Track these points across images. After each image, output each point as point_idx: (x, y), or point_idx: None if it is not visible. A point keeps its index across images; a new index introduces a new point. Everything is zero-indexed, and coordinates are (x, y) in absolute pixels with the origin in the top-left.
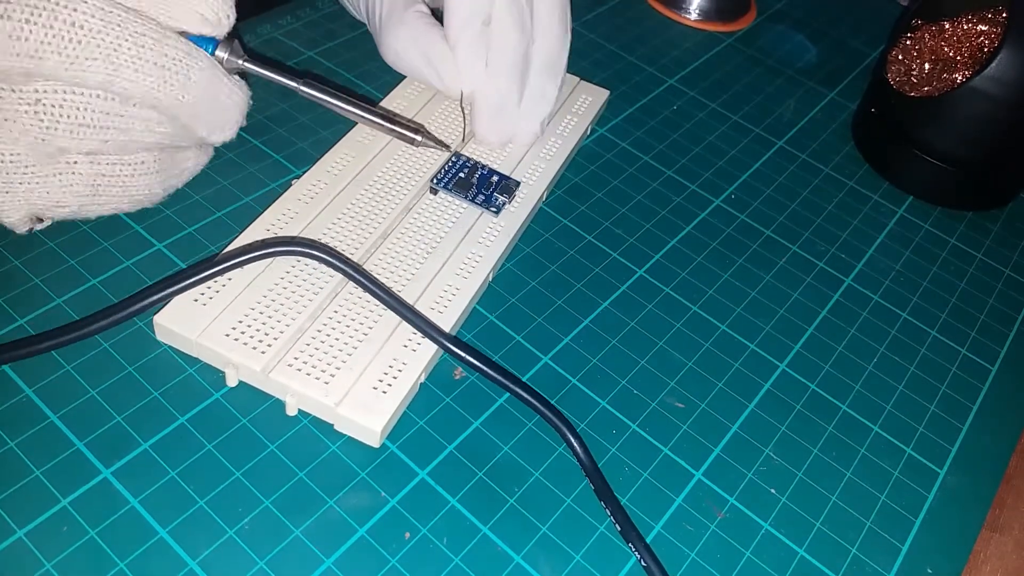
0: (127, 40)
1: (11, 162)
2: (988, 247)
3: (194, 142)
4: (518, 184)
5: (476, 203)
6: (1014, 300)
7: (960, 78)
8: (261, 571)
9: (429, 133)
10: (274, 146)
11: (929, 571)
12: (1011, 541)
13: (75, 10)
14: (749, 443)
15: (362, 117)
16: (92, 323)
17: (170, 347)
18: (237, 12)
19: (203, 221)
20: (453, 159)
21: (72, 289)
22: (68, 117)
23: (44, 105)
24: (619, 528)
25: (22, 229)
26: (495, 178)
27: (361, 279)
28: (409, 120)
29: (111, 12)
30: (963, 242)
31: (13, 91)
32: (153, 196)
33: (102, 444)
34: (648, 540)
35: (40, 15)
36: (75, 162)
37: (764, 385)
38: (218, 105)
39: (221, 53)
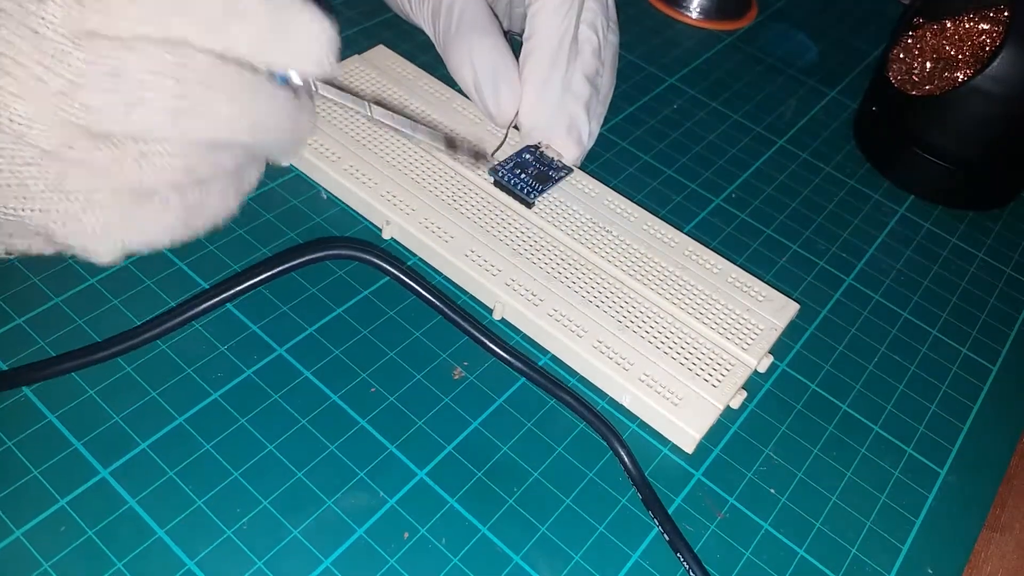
0: (236, 95)
1: (106, 205)
2: (989, 246)
3: (260, 159)
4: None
5: (556, 181)
6: (1015, 300)
7: (962, 77)
8: (259, 571)
9: (482, 151)
10: None
11: (929, 571)
12: (1012, 541)
13: (182, 80)
14: (749, 443)
15: (428, 142)
16: (149, 329)
17: (168, 348)
18: None
19: None
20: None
21: (71, 289)
22: (170, 168)
23: (148, 158)
24: (667, 538)
25: (106, 258)
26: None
27: (413, 284)
28: (471, 142)
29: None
30: (964, 241)
31: (115, 145)
32: (232, 213)
33: (100, 444)
34: (647, 541)
35: (151, 92)
36: (167, 199)
37: (764, 385)
38: (296, 129)
39: (297, 79)
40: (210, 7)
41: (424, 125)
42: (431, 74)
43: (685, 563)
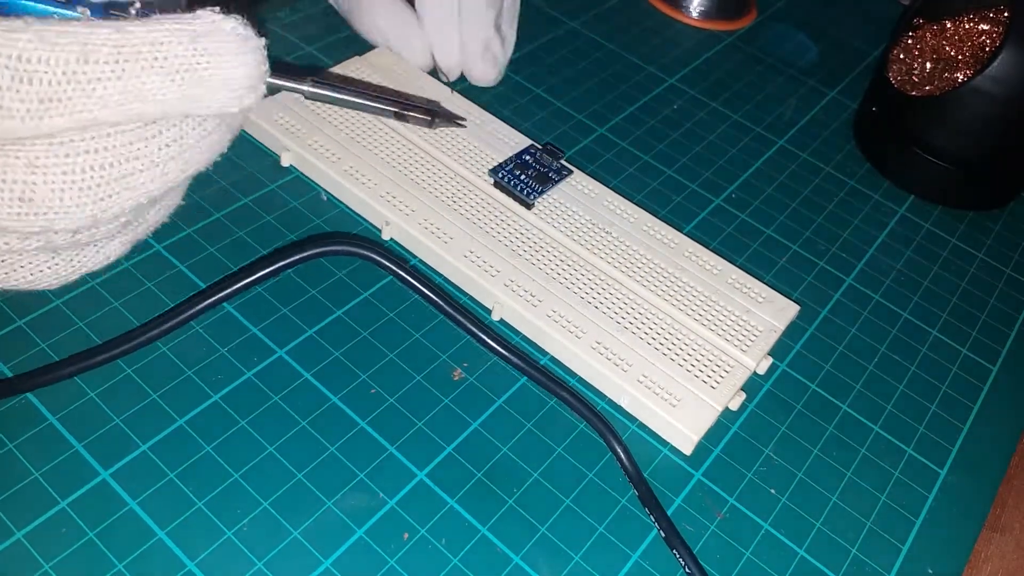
0: (161, 153)
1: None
2: (989, 246)
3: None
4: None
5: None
6: (1015, 300)
7: (961, 77)
8: (259, 572)
9: (445, 111)
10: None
11: (929, 571)
12: (1012, 541)
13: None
14: (749, 443)
15: (376, 109)
16: (146, 331)
17: (168, 350)
18: (234, 2)
19: (201, 223)
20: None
21: (71, 291)
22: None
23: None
24: (663, 535)
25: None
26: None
27: (413, 281)
28: (425, 101)
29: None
30: (964, 241)
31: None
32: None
33: (101, 446)
34: (647, 541)
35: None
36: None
37: (765, 385)
38: (230, 129)
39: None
40: (104, 99)
41: (369, 92)
42: (431, 74)
43: (681, 559)
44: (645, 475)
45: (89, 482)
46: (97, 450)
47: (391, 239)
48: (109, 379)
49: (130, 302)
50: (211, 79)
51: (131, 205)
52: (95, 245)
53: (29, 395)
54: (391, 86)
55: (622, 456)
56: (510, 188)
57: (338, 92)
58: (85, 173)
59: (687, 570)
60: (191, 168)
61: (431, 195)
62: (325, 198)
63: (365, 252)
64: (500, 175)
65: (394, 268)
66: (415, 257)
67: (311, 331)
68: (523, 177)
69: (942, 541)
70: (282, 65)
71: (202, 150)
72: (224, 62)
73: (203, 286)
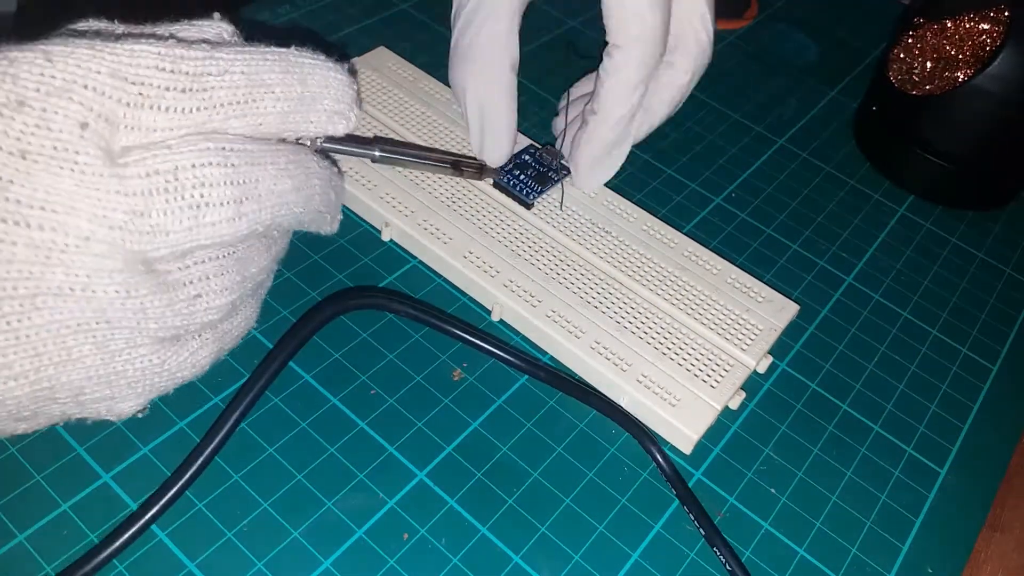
0: (281, 176)
1: (140, 364)
2: (989, 246)
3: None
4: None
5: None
6: (1015, 299)
7: (962, 77)
8: (259, 572)
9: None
10: None
11: (929, 571)
12: (1012, 541)
13: (234, 165)
14: (749, 443)
15: (435, 167)
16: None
17: None
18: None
19: None
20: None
21: None
22: (219, 297)
23: (200, 294)
24: (703, 533)
25: (129, 412)
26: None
27: (432, 320)
28: (470, 158)
29: (260, 152)
30: (964, 241)
31: (171, 288)
32: (253, 325)
33: (102, 449)
34: (647, 541)
35: (212, 188)
36: (203, 335)
37: (765, 384)
38: (337, 195)
39: (304, 141)
40: (234, 91)
41: (428, 153)
42: (432, 75)
43: (722, 558)
44: (645, 475)
45: (90, 485)
46: (98, 453)
47: (391, 240)
48: None
49: None
50: (316, 83)
51: (267, 220)
52: (239, 312)
53: None
54: (391, 87)
55: (659, 458)
56: (509, 188)
57: (402, 155)
58: (218, 169)
59: (728, 567)
60: (310, 203)
61: (430, 196)
62: None
63: (375, 303)
64: (499, 175)
65: (408, 311)
66: (415, 258)
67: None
68: (522, 177)
69: (942, 541)
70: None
71: (315, 181)
72: (324, 71)
73: None
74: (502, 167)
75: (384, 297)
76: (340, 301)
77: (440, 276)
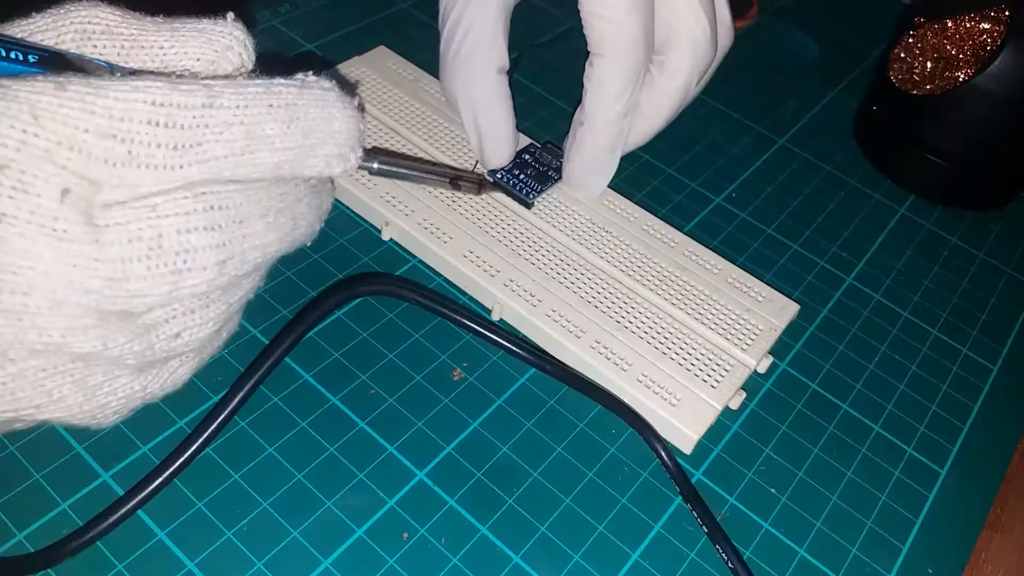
0: (266, 225)
1: (123, 390)
2: (990, 246)
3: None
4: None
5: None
6: (1016, 299)
7: (962, 76)
8: (259, 572)
9: (489, 181)
10: None
11: (930, 571)
12: (1012, 541)
13: (221, 227)
14: (749, 443)
15: (433, 180)
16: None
17: None
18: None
19: None
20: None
21: None
22: (201, 329)
23: (180, 337)
24: (706, 530)
25: (108, 424)
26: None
27: (443, 308)
28: (470, 173)
29: (244, 206)
30: (965, 241)
31: (149, 330)
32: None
33: (102, 448)
34: (647, 541)
35: (196, 253)
36: (187, 358)
37: (765, 384)
38: (322, 216)
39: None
40: (231, 145)
41: (427, 166)
42: (432, 75)
43: (724, 556)
44: (645, 475)
45: (90, 484)
46: (98, 452)
47: (391, 239)
48: None
49: None
50: (319, 130)
51: (235, 274)
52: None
53: None
54: (391, 86)
55: (662, 454)
56: (509, 187)
57: (401, 168)
58: (204, 233)
59: (730, 566)
60: (294, 235)
61: (430, 195)
62: None
63: (386, 289)
64: (499, 174)
65: (417, 298)
66: (414, 258)
67: (311, 332)
68: (522, 176)
69: (942, 541)
70: None
71: (301, 213)
72: (329, 114)
73: None
74: (501, 168)
75: (395, 284)
76: (353, 286)
77: (440, 275)
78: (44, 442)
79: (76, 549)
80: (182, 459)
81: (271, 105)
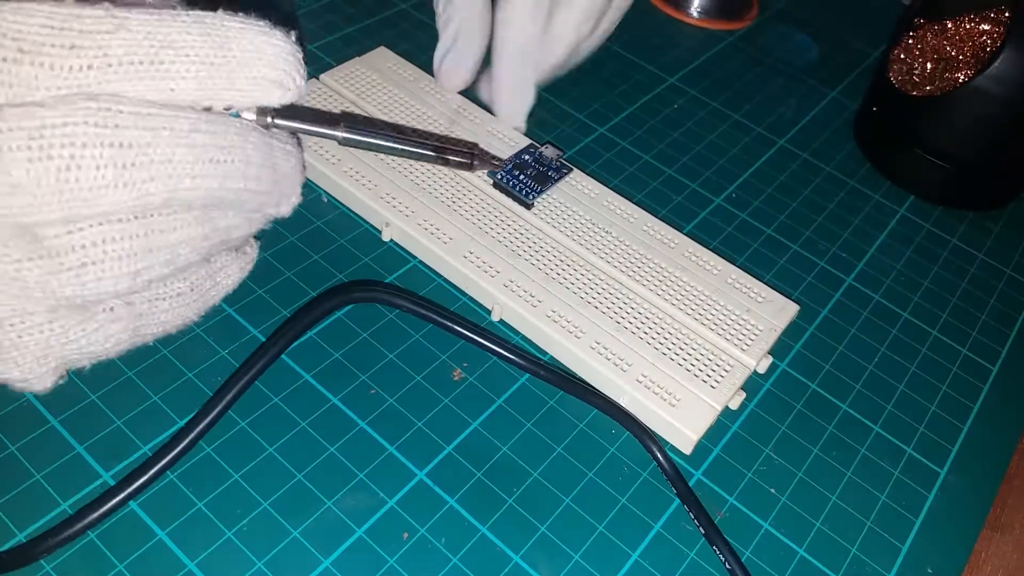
0: (180, 144)
1: (39, 334)
2: (989, 247)
3: (254, 227)
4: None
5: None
6: (1015, 300)
7: (962, 77)
8: (259, 572)
9: (483, 152)
10: None
11: (929, 571)
12: (1012, 541)
13: (117, 126)
14: (749, 443)
15: (414, 153)
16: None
17: (169, 352)
18: None
19: None
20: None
21: None
22: (117, 265)
23: (89, 262)
24: (703, 532)
25: (46, 384)
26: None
27: (434, 315)
28: (461, 143)
29: (155, 115)
30: (964, 242)
31: (51, 255)
32: (188, 322)
33: (102, 448)
34: (646, 541)
35: (84, 148)
36: (112, 308)
37: (765, 384)
38: (278, 174)
39: (249, 115)
40: (133, 48)
41: (407, 137)
42: (432, 75)
43: (722, 556)
44: (644, 475)
45: (90, 484)
46: (98, 452)
47: (391, 240)
48: (110, 382)
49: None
50: (244, 49)
51: (165, 194)
52: (162, 293)
53: (31, 399)
54: (391, 87)
55: (659, 457)
56: (509, 188)
57: (374, 137)
58: (100, 148)
59: (727, 567)
60: (228, 180)
61: (430, 196)
62: (325, 200)
63: (377, 296)
64: (499, 175)
65: (409, 305)
66: (415, 258)
67: (311, 332)
68: (522, 177)
69: (942, 541)
70: (311, 111)
71: (238, 157)
72: (254, 35)
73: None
74: (501, 166)
75: (388, 292)
76: (345, 292)
77: (440, 276)
78: (44, 442)
79: (56, 545)
80: (172, 453)
81: (180, 19)
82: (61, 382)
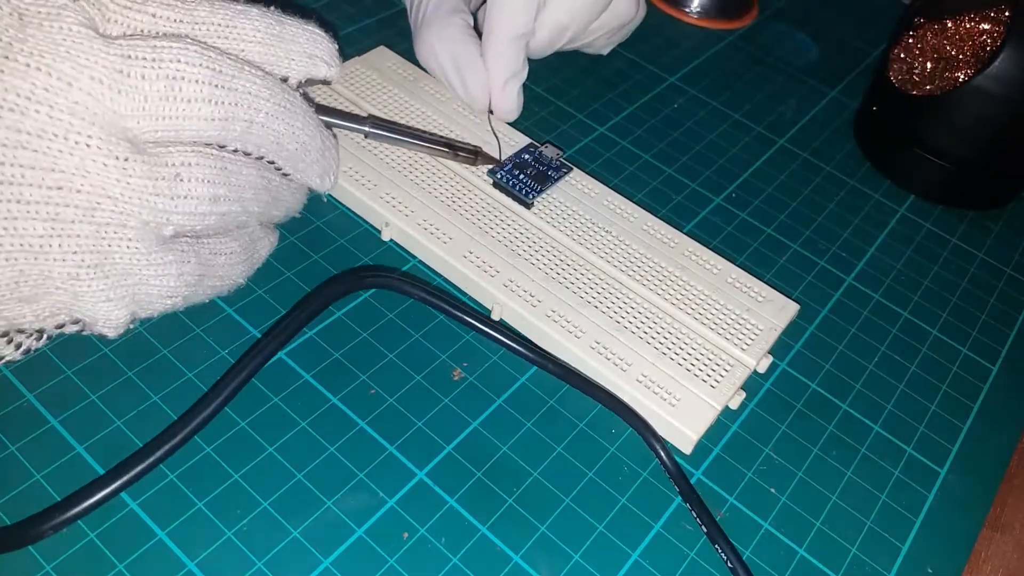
0: (258, 83)
1: (127, 251)
2: (989, 246)
3: (295, 203)
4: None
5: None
6: (1015, 299)
7: (962, 77)
8: (259, 572)
9: (485, 153)
10: None
11: (929, 571)
12: (1012, 541)
13: (211, 56)
14: (749, 443)
15: (429, 148)
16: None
17: (169, 352)
18: None
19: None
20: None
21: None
22: (201, 186)
23: (181, 176)
24: (705, 530)
25: (118, 332)
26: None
27: (445, 305)
28: (465, 143)
29: (241, 68)
30: (964, 241)
31: (145, 160)
32: (238, 284)
33: (102, 448)
34: (647, 540)
35: (188, 66)
36: (183, 250)
37: (765, 384)
38: (324, 146)
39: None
40: (214, 12)
41: (422, 135)
42: (432, 74)
43: (723, 555)
44: (645, 474)
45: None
46: (98, 452)
47: (391, 240)
48: (110, 382)
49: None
50: (292, 32)
51: (244, 127)
52: (221, 248)
53: (32, 398)
54: (391, 86)
55: (662, 454)
56: (509, 188)
57: (395, 133)
58: (198, 69)
59: (729, 565)
60: (292, 141)
61: (430, 196)
62: (324, 199)
63: (388, 282)
64: (499, 174)
65: (420, 294)
66: (415, 258)
67: (311, 332)
68: (522, 176)
69: (942, 541)
70: (341, 111)
71: (300, 125)
72: (299, 24)
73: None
74: (501, 165)
75: (399, 278)
76: (356, 278)
77: (440, 276)
78: (44, 442)
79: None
80: (170, 444)
81: (245, 5)
82: (132, 327)
